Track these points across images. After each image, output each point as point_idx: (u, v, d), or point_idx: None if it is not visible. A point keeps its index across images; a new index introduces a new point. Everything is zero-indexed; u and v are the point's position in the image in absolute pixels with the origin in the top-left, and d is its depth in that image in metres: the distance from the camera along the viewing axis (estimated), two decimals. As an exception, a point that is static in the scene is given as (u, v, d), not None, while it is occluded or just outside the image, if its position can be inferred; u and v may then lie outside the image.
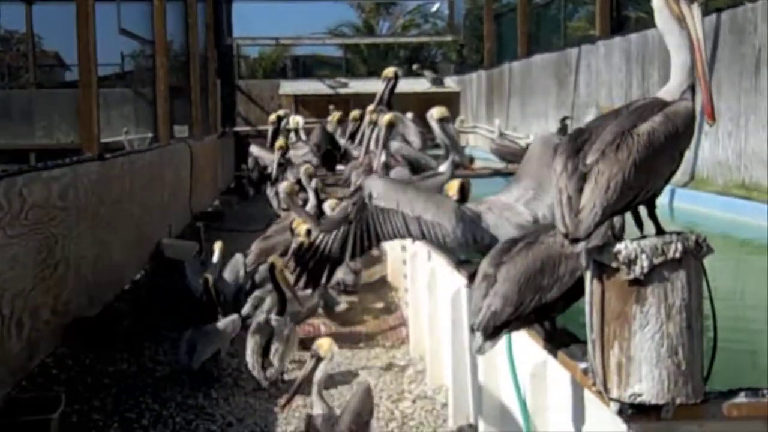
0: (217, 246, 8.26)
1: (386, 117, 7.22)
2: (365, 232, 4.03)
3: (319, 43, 28.66)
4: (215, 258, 8.12)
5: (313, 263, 4.06)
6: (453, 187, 4.79)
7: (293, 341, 6.07)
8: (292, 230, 7.52)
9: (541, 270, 3.04)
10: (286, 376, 5.99)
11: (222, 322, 6.36)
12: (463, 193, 4.76)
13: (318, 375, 4.39)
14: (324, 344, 4.51)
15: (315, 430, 4.22)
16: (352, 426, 4.20)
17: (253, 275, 7.87)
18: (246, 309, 6.81)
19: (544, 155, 4.18)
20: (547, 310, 3.11)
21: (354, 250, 4.02)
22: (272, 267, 6.24)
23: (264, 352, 5.87)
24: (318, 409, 4.29)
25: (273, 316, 6.09)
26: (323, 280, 4.13)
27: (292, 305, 6.48)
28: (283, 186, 8.64)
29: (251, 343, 5.89)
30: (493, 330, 3.07)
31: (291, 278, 6.95)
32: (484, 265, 3.21)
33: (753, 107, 8.44)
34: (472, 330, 3.11)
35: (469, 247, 4.19)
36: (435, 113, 6.42)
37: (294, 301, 6.56)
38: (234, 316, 6.52)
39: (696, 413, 2.53)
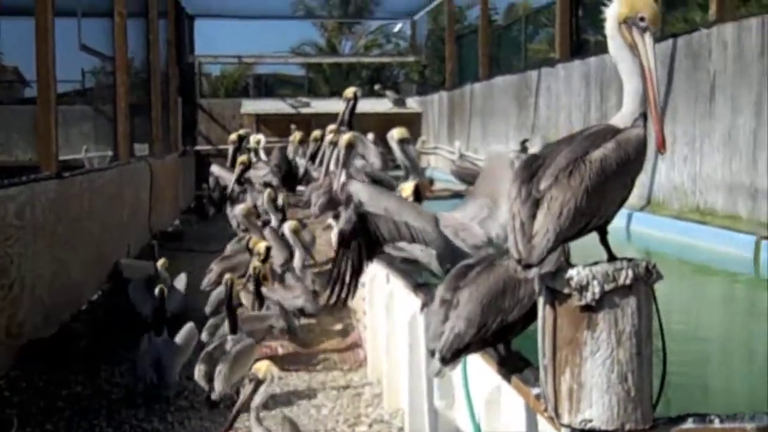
0: (160, 263, 8.31)
1: (346, 137, 7.24)
2: (370, 238, 4.21)
3: (282, 62, 28.67)
4: (161, 273, 8.27)
5: (342, 278, 4.29)
6: (407, 189, 4.85)
7: (244, 360, 5.92)
8: (249, 250, 7.52)
9: (503, 292, 3.06)
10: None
11: (181, 334, 6.37)
12: (418, 196, 4.82)
13: (257, 399, 4.41)
14: (262, 367, 4.54)
15: None
16: None
17: (210, 295, 7.89)
18: (203, 336, 6.75)
19: (498, 172, 4.26)
20: (506, 332, 3.13)
21: (369, 256, 4.27)
22: (231, 284, 6.25)
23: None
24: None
25: (229, 337, 6.07)
26: (352, 292, 4.36)
27: (250, 324, 6.48)
28: (239, 209, 8.66)
29: (198, 369, 5.89)
30: (454, 353, 3.08)
31: (245, 299, 6.99)
32: (441, 291, 3.22)
33: (708, 132, 8.56)
34: (432, 354, 3.10)
35: (443, 255, 4.26)
36: (395, 134, 6.46)
37: (252, 320, 6.57)
38: (190, 324, 6.54)
39: (645, 439, 2.55)
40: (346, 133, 7.75)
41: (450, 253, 4.20)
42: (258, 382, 4.47)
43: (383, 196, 4.31)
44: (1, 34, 21.13)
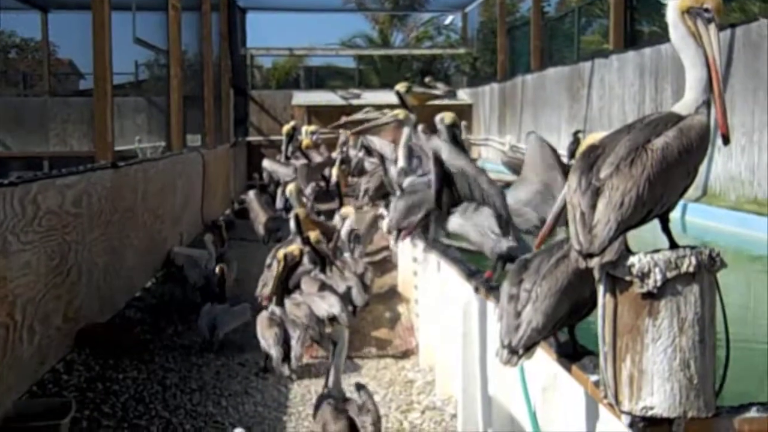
0: (208, 238, 8.67)
1: (400, 114, 7.21)
2: (448, 188, 4.44)
3: (333, 54, 28.70)
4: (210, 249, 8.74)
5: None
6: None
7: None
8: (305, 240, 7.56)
9: (578, 285, 3.02)
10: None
11: (238, 307, 7.14)
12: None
13: (336, 360, 4.60)
14: (337, 330, 4.82)
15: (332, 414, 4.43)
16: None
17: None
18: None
19: (543, 154, 4.31)
20: (573, 322, 3.12)
21: (448, 200, 4.47)
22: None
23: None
24: (335, 391, 4.55)
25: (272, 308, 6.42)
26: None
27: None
28: (289, 187, 8.73)
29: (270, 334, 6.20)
30: (531, 346, 3.06)
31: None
32: (506, 287, 3.21)
33: (766, 123, 8.42)
34: (507, 347, 3.07)
35: (503, 227, 4.32)
36: (446, 118, 6.37)
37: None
38: (245, 304, 7.20)
39: (707, 427, 2.52)
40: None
41: (509, 229, 4.33)
42: (335, 344, 4.69)
43: (461, 156, 4.49)
44: (57, 28, 21.53)
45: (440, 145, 4.51)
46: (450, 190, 4.43)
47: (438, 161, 4.44)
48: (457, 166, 4.39)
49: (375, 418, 4.52)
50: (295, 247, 6.84)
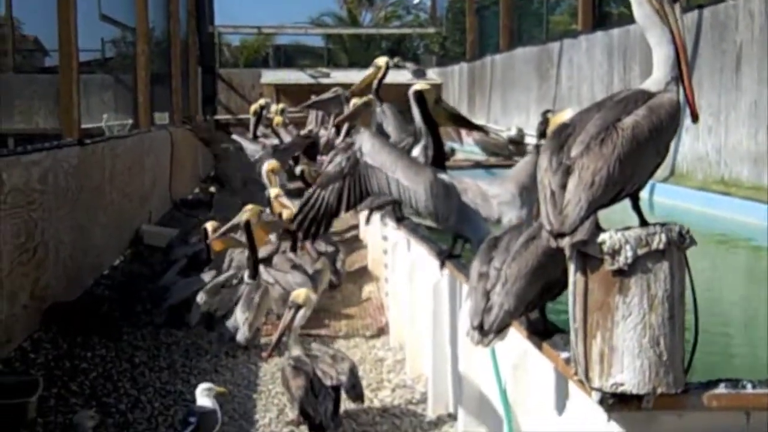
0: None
1: (363, 99, 7.19)
2: (357, 186, 4.38)
3: (302, 33, 28.57)
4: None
5: (312, 216, 4.44)
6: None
7: (266, 306, 6.44)
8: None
9: (549, 266, 3.00)
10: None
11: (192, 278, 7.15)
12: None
13: (297, 322, 4.88)
14: (301, 294, 4.98)
15: (292, 373, 4.70)
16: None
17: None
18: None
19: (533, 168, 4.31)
20: (545, 301, 3.12)
21: (348, 202, 4.41)
22: (248, 224, 6.35)
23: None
24: (295, 352, 4.82)
25: (247, 281, 6.41)
26: (321, 231, 4.55)
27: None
28: (266, 166, 8.64)
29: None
30: (503, 328, 3.06)
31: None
32: (476, 265, 3.20)
33: (733, 103, 8.49)
34: (478, 328, 3.06)
35: (437, 221, 4.35)
36: (419, 91, 6.29)
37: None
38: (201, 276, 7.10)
39: (676, 403, 2.54)
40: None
41: (456, 215, 4.39)
42: (298, 308, 4.91)
43: (385, 150, 4.45)
44: (22, 3, 21.17)
45: (363, 138, 4.46)
46: (360, 184, 4.40)
47: (355, 154, 4.41)
48: (378, 160, 4.37)
49: (351, 364, 4.85)
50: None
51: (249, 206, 6.62)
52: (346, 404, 4.99)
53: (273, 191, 7.67)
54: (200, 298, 6.61)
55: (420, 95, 4.87)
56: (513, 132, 12.20)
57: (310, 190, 4.54)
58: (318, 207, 4.42)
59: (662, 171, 9.12)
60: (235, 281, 6.68)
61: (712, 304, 5.28)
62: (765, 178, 7.95)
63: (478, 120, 16.04)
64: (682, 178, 9.20)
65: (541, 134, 4.32)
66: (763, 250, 7.26)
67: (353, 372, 4.87)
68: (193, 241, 8.27)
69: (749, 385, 2.60)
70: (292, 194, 9.20)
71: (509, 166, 6.71)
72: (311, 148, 10.78)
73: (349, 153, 4.39)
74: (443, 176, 4.52)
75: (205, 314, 6.73)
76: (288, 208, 7.47)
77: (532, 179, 4.30)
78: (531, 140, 11.17)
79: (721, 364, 4.12)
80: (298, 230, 4.62)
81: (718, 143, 8.73)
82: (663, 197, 8.57)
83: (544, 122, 9.55)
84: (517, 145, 11.72)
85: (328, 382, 4.74)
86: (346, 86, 12.15)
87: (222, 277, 6.76)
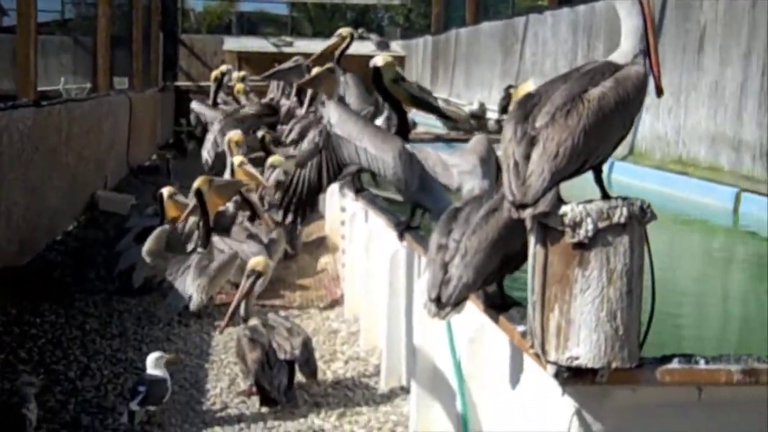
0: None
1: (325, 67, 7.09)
2: (334, 158, 4.41)
3: (266, 0, 28.28)
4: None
5: (297, 198, 4.47)
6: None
7: (226, 272, 6.35)
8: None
9: (509, 238, 2.96)
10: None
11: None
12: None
13: (257, 290, 5.04)
14: (260, 261, 5.07)
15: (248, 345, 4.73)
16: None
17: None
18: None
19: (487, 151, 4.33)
20: (503, 274, 3.09)
21: (329, 175, 4.44)
22: (198, 192, 6.28)
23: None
24: (252, 322, 4.88)
25: (198, 250, 6.37)
26: (309, 211, 4.65)
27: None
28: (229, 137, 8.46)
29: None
30: (461, 300, 3.02)
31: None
32: (435, 236, 3.16)
33: (694, 84, 8.51)
34: (435, 301, 3.02)
35: (404, 188, 4.33)
36: (380, 62, 6.20)
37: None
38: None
39: (630, 378, 2.53)
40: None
41: (418, 183, 4.33)
42: (258, 275, 4.96)
43: (351, 120, 4.44)
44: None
45: (330, 110, 4.48)
46: (334, 156, 4.40)
47: (324, 127, 4.43)
48: (346, 130, 4.37)
49: (306, 338, 4.86)
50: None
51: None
52: (299, 376, 4.95)
53: (237, 159, 7.56)
54: (144, 256, 6.53)
55: (376, 71, 4.77)
56: (475, 106, 12.13)
57: (291, 173, 4.58)
58: (301, 187, 4.46)
59: (621, 149, 9.16)
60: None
61: (667, 282, 5.28)
62: (722, 158, 7.99)
63: (440, 94, 16.00)
64: (640, 156, 9.23)
65: (503, 109, 4.31)
66: (718, 229, 7.32)
67: (308, 347, 4.85)
68: (149, 213, 8.14)
69: (702, 361, 2.60)
70: (255, 163, 9.10)
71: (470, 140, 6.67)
72: (271, 116, 10.64)
73: (321, 127, 4.44)
74: (407, 145, 4.49)
75: (149, 278, 6.73)
76: (254, 176, 7.39)
77: (489, 152, 4.33)
78: (492, 115, 11.17)
79: (675, 340, 4.13)
80: (286, 215, 4.62)
81: (677, 123, 8.76)
82: (621, 175, 8.57)
83: (506, 97, 9.53)
84: (478, 119, 11.66)
85: (282, 356, 4.71)
86: (308, 56, 12.01)
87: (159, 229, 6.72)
